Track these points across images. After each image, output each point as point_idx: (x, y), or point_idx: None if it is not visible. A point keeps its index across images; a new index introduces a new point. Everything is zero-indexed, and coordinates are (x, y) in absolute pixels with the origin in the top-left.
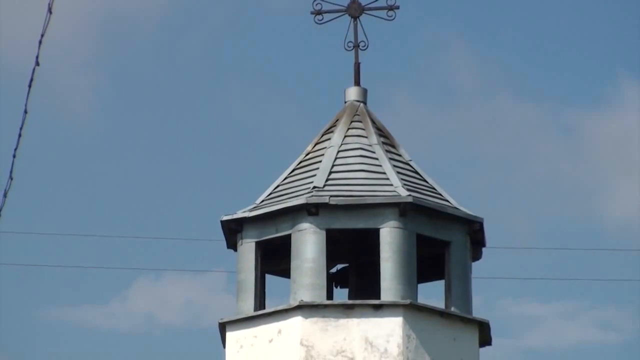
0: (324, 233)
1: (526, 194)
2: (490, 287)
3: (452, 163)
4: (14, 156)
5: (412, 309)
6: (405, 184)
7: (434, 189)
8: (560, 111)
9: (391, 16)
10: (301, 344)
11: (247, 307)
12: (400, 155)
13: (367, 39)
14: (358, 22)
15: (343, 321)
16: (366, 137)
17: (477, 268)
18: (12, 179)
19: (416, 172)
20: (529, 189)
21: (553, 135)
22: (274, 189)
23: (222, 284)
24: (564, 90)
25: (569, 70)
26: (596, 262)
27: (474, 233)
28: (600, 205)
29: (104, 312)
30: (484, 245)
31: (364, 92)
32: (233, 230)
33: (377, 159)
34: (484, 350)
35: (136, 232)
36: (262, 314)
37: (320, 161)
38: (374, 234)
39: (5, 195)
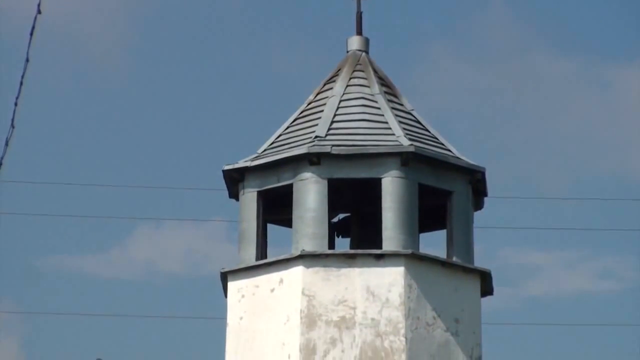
0: (325, 182)
1: (553, 148)
2: (491, 236)
3: (484, 117)
4: (16, 104)
5: (413, 259)
6: (407, 134)
7: (436, 138)
8: (597, 66)
9: None
10: (303, 293)
11: (249, 256)
12: (402, 105)
13: None
14: None
15: (345, 271)
16: (368, 86)
17: (479, 218)
18: (13, 127)
19: (418, 122)
20: (555, 143)
21: (589, 90)
22: (276, 138)
23: (222, 233)
24: (600, 46)
25: (606, 26)
26: (596, 211)
27: (476, 183)
28: (616, 159)
29: (105, 261)
30: (485, 194)
31: (366, 42)
32: (235, 180)
33: (379, 108)
34: (485, 300)
35: (137, 181)
36: (263, 263)
37: (322, 111)
38: (376, 183)
39: (6, 144)
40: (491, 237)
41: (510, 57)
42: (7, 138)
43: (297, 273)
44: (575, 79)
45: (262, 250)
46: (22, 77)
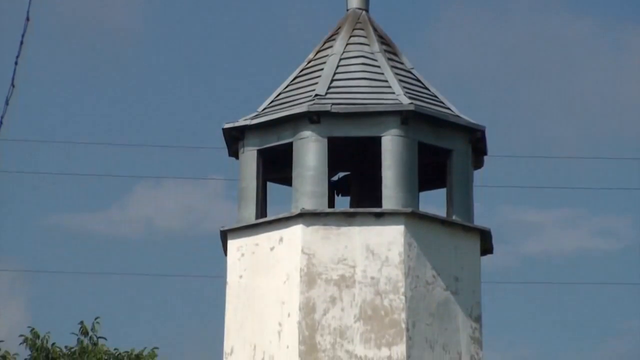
0: (325, 141)
1: (556, 107)
2: (491, 195)
3: (493, 76)
4: (16, 63)
5: (413, 217)
6: (407, 92)
7: (435, 97)
8: (613, 27)
9: None
10: (302, 252)
11: (249, 215)
12: (402, 63)
13: None
14: None
15: (344, 229)
16: (368, 44)
17: (479, 176)
18: (13, 86)
19: (418, 80)
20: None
21: (603, 50)
22: (276, 97)
23: (221, 191)
24: (616, 6)
25: None
26: (596, 170)
27: (475, 141)
28: (619, 118)
29: (104, 218)
30: (485, 153)
31: (366, 0)
32: (235, 138)
33: (379, 66)
34: (485, 259)
35: (136, 139)
36: (263, 222)
37: (322, 69)
38: (376, 142)
39: (7, 103)
40: (491, 195)
41: (527, 17)
42: (7, 97)
43: (296, 231)
44: (591, 38)
45: (261, 208)
46: (23, 36)
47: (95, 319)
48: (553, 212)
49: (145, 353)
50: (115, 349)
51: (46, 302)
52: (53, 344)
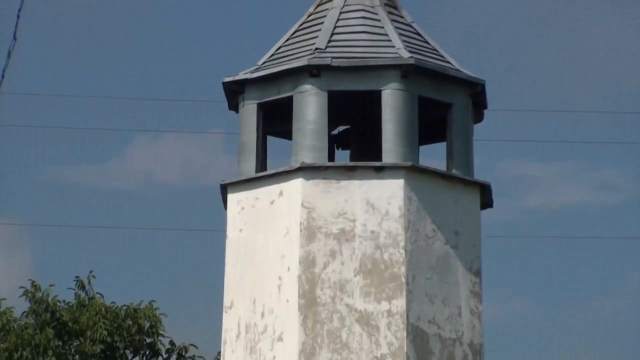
0: (325, 95)
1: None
2: (491, 149)
3: (499, 29)
4: (18, 16)
5: (413, 171)
6: (407, 46)
7: (436, 51)
8: None
9: None
10: (302, 205)
11: (249, 168)
12: (402, 17)
13: None
14: None
15: (344, 183)
16: None
17: (479, 130)
18: (15, 39)
19: (418, 34)
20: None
21: (606, 3)
22: (276, 50)
23: (221, 144)
24: None
25: None
26: (597, 124)
27: (476, 95)
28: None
29: (103, 172)
30: (485, 107)
31: None
32: (235, 92)
33: (379, 20)
34: (485, 213)
35: (136, 93)
36: (263, 175)
37: (322, 23)
38: (376, 96)
39: (8, 56)
40: (491, 149)
41: None
42: (9, 50)
43: (296, 185)
44: None
45: (261, 162)
46: None
47: (90, 272)
48: (553, 166)
49: (142, 307)
50: (112, 303)
51: (45, 256)
52: (55, 296)
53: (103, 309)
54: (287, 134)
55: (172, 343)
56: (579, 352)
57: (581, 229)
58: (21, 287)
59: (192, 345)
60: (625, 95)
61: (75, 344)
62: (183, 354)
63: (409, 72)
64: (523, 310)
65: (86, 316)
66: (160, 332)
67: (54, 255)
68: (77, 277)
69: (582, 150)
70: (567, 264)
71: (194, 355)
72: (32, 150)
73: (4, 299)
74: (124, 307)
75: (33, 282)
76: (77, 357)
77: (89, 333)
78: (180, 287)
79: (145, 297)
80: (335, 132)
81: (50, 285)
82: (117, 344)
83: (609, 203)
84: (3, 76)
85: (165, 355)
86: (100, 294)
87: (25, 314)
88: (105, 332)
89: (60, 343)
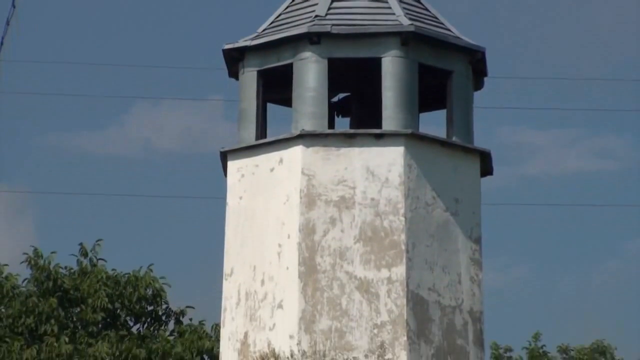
0: (325, 62)
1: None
2: (491, 116)
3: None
4: None
5: (413, 139)
6: (407, 13)
7: (436, 18)
8: None
9: None
10: (302, 173)
11: (249, 136)
12: None
13: None
14: None
15: (344, 150)
16: None
17: (479, 98)
18: (14, 7)
19: (418, 1)
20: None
21: None
22: (276, 18)
23: (220, 111)
24: None
25: None
26: (596, 91)
27: (476, 63)
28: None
29: (102, 139)
30: (485, 75)
31: None
32: (235, 59)
33: None
34: (485, 180)
35: (136, 59)
36: (263, 143)
37: None
38: (376, 63)
39: (7, 24)
40: (491, 117)
41: None
42: (8, 18)
43: (296, 152)
44: None
45: (261, 129)
46: None
47: (97, 241)
48: (552, 133)
49: (141, 273)
50: (113, 270)
51: (46, 223)
52: (56, 264)
53: (104, 276)
54: (287, 101)
55: (169, 309)
56: (577, 318)
57: (580, 196)
58: (24, 253)
59: (189, 307)
60: (626, 63)
61: (77, 311)
62: (180, 318)
63: (409, 40)
64: (522, 277)
65: (87, 283)
66: (164, 299)
67: (55, 222)
68: (80, 243)
69: (582, 118)
70: (566, 231)
71: (191, 319)
72: (32, 118)
73: (6, 265)
74: (126, 275)
75: (35, 248)
76: (78, 324)
77: (90, 300)
78: (179, 254)
79: (145, 264)
80: (335, 99)
81: (52, 252)
82: (119, 311)
83: (609, 170)
84: (2, 44)
85: (165, 320)
86: (104, 260)
87: (27, 281)
88: (107, 300)
89: (63, 312)
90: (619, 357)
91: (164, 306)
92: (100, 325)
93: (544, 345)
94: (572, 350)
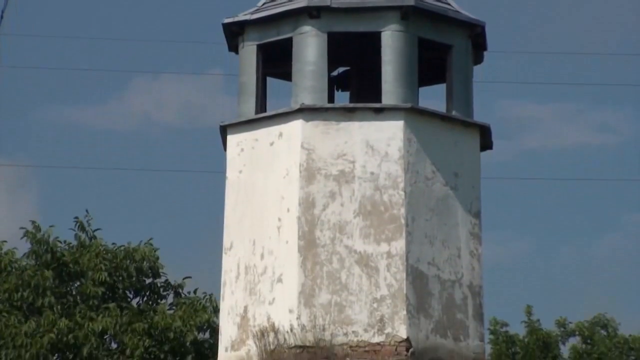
0: (325, 36)
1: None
2: (490, 90)
3: None
4: None
5: (413, 113)
6: None
7: None
8: None
9: None
10: (302, 147)
11: (248, 110)
12: None
13: None
14: None
15: (344, 124)
16: None
17: (479, 72)
18: None
19: None
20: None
21: None
22: None
23: (220, 86)
24: None
25: None
26: (596, 65)
27: (475, 37)
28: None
29: (102, 112)
30: (485, 49)
31: None
32: (235, 33)
33: None
34: (484, 154)
35: (135, 34)
36: (263, 117)
37: None
38: (376, 37)
39: None
40: (491, 91)
41: None
42: None
43: (296, 126)
44: None
45: (261, 103)
46: None
47: (86, 212)
48: (552, 107)
49: (141, 246)
50: (113, 244)
51: (46, 197)
52: (56, 237)
53: (103, 250)
54: (286, 75)
55: (167, 282)
56: (577, 291)
57: (580, 170)
58: (22, 227)
59: (187, 277)
60: (626, 37)
61: (77, 284)
62: (180, 291)
63: (408, 14)
64: (522, 251)
65: (86, 257)
66: (161, 271)
67: (56, 196)
68: (76, 217)
69: (581, 92)
70: (566, 204)
71: (189, 292)
72: (32, 91)
73: (4, 241)
74: (122, 248)
75: (34, 222)
76: (77, 298)
77: (90, 274)
78: (180, 228)
79: (144, 237)
80: (335, 73)
81: (51, 226)
82: (117, 284)
83: (608, 144)
84: (2, 17)
85: (163, 294)
86: (99, 229)
87: (25, 254)
88: (106, 274)
89: (60, 283)
90: (620, 331)
91: (162, 279)
92: (99, 299)
93: (538, 320)
94: (571, 323)
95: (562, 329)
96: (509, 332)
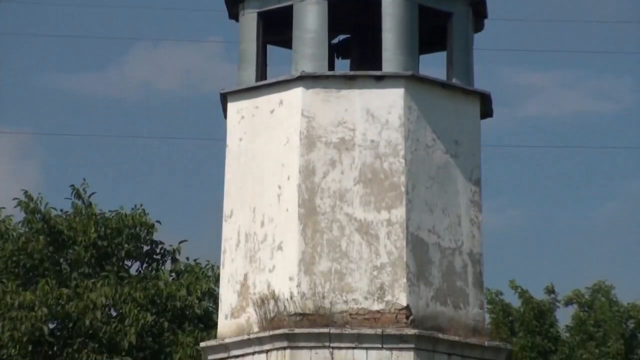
0: (325, 3)
1: None
2: (491, 58)
3: None
4: None
5: (413, 80)
6: None
7: None
8: None
9: None
10: (302, 114)
11: (249, 77)
12: None
13: None
14: None
15: (344, 92)
16: None
17: (479, 39)
18: None
19: None
20: None
21: None
22: None
23: (220, 53)
24: None
25: None
26: (596, 32)
27: (476, 4)
28: None
29: (102, 80)
30: (485, 16)
31: None
32: (235, 1)
33: None
34: (485, 122)
35: (134, 0)
36: (263, 84)
37: None
38: (376, 4)
39: None
40: (491, 58)
41: None
42: None
43: (296, 94)
44: None
45: (262, 71)
46: None
47: (83, 180)
48: (552, 74)
49: (133, 213)
50: (110, 211)
51: (46, 165)
52: (46, 204)
53: (94, 215)
54: (287, 42)
55: (163, 249)
56: (577, 259)
57: (580, 137)
58: (14, 198)
59: (183, 241)
60: (626, 5)
61: (70, 251)
62: (177, 257)
63: None
64: (522, 218)
65: (77, 221)
66: (155, 239)
67: (58, 164)
68: (72, 185)
69: (581, 60)
70: (566, 172)
71: (187, 257)
72: (32, 59)
73: (2, 207)
74: (115, 213)
75: (26, 191)
76: (74, 267)
77: (80, 239)
78: (181, 196)
79: (144, 205)
80: (335, 41)
81: (39, 194)
82: (112, 249)
83: (608, 112)
84: None
85: (160, 260)
86: (95, 193)
87: (20, 223)
88: (95, 235)
89: (55, 251)
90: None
91: (159, 246)
92: (93, 265)
93: (527, 291)
94: (559, 293)
95: (552, 296)
96: (504, 300)
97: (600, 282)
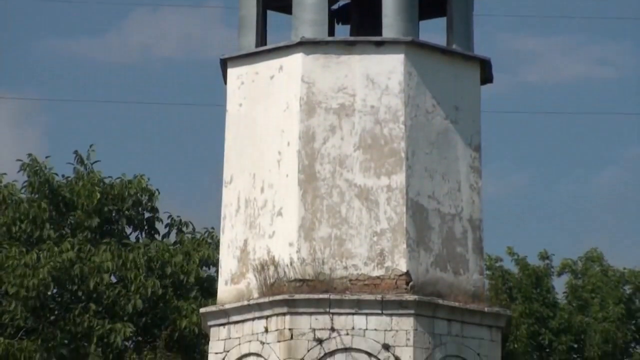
0: None
1: None
2: (491, 23)
3: None
4: None
5: (413, 46)
6: None
7: None
8: None
9: None
10: (302, 80)
11: (249, 43)
12: None
13: None
14: None
15: (344, 58)
16: None
17: (479, 5)
18: None
19: None
20: None
21: None
22: None
23: (220, 18)
24: None
25: None
26: None
27: None
28: None
29: (101, 44)
30: None
31: None
32: None
33: None
34: (484, 88)
35: None
36: (263, 50)
37: None
38: None
39: None
40: (491, 24)
41: None
42: None
43: (296, 60)
44: None
45: (261, 37)
46: None
47: (90, 146)
48: (552, 40)
49: (135, 180)
50: (109, 177)
51: (47, 131)
52: (51, 168)
53: (97, 180)
54: (287, 8)
55: (171, 218)
56: (576, 225)
57: (579, 103)
58: (18, 159)
59: (189, 222)
60: None
61: (72, 215)
62: (183, 229)
63: None
64: (522, 184)
65: (80, 186)
66: (156, 206)
67: (60, 129)
68: (75, 151)
69: (582, 25)
70: (565, 138)
71: (193, 229)
72: (30, 23)
73: (4, 173)
74: (118, 179)
75: (30, 155)
76: (77, 232)
77: (83, 203)
78: (180, 161)
79: (143, 171)
80: (335, 6)
81: (47, 157)
82: (114, 215)
83: (608, 78)
84: None
85: (165, 230)
86: (98, 161)
87: (22, 187)
88: (97, 197)
89: (57, 215)
90: (616, 265)
91: (163, 213)
92: (96, 231)
93: (525, 257)
94: (554, 255)
95: (547, 262)
96: (503, 267)
97: (593, 250)
